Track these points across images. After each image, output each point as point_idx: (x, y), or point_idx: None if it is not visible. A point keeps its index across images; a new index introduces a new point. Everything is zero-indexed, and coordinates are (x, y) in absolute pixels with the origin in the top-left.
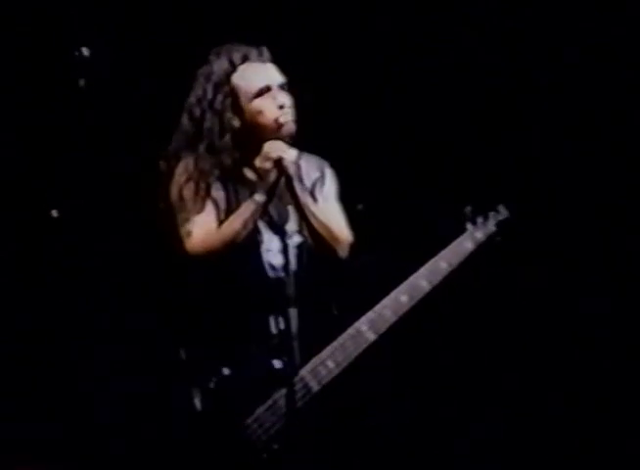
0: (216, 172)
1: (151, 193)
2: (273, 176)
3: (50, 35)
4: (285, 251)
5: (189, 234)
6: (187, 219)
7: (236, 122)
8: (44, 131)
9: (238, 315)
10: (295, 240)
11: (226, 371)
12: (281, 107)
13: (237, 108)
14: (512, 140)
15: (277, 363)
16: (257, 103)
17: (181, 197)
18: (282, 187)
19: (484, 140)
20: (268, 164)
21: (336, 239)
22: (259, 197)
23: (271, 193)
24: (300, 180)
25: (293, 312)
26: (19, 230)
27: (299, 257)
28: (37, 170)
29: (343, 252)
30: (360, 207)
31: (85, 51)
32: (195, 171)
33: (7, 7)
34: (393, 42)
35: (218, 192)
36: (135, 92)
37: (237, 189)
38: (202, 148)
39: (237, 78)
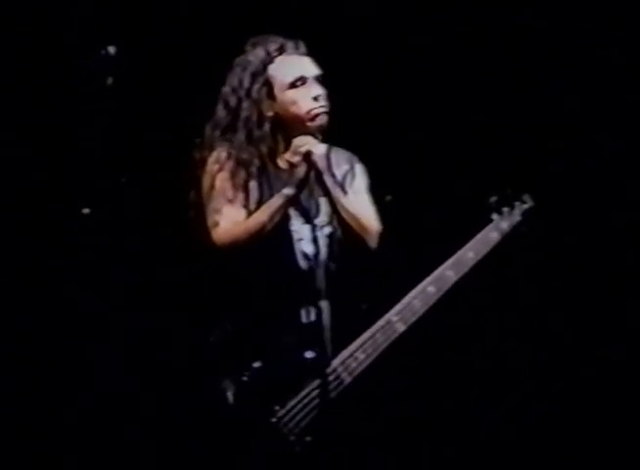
0: (256, 162)
1: (177, 184)
2: (302, 170)
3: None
4: (315, 243)
5: (216, 224)
6: (216, 210)
7: (270, 112)
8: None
9: (270, 306)
10: (325, 231)
11: (257, 363)
12: (315, 98)
13: (272, 98)
14: (538, 129)
15: (308, 355)
16: (291, 93)
17: (212, 186)
18: (312, 180)
19: (510, 130)
20: (298, 159)
21: (365, 229)
22: (288, 190)
23: (300, 187)
24: (331, 173)
25: (324, 305)
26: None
27: (330, 247)
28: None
29: (373, 242)
30: (389, 198)
31: (112, 49)
32: (229, 161)
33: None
34: (416, 31)
35: (252, 182)
36: (161, 85)
37: (271, 180)
38: (240, 137)
39: (273, 69)
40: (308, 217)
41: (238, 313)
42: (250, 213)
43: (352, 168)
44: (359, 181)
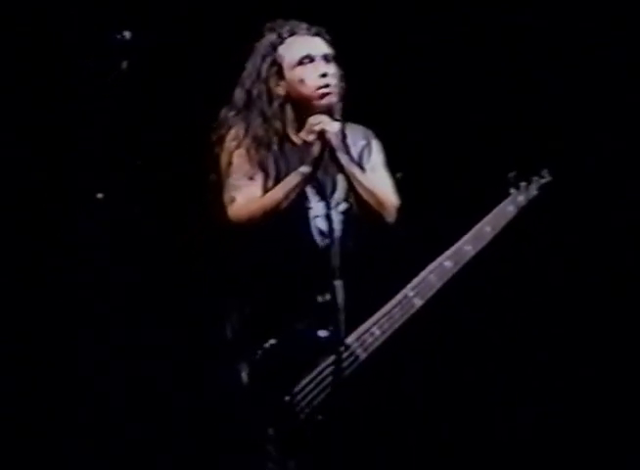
0: (273, 140)
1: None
2: (317, 148)
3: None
4: (330, 220)
5: (232, 200)
6: (233, 186)
7: (281, 91)
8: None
9: (285, 284)
10: (341, 208)
11: (272, 341)
12: (323, 75)
13: (281, 77)
14: (554, 104)
15: (322, 334)
16: (299, 71)
17: (230, 163)
18: (328, 158)
19: (527, 105)
20: (312, 137)
21: (382, 205)
22: (305, 168)
23: (316, 165)
24: (347, 150)
25: (338, 284)
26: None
27: (346, 224)
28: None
29: (390, 217)
30: (399, 175)
31: (127, 34)
32: (246, 138)
33: None
34: (431, 13)
35: (268, 159)
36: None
37: (287, 157)
38: (254, 115)
39: (282, 49)
40: (324, 195)
41: (253, 292)
42: (266, 191)
43: (369, 144)
44: (376, 157)
